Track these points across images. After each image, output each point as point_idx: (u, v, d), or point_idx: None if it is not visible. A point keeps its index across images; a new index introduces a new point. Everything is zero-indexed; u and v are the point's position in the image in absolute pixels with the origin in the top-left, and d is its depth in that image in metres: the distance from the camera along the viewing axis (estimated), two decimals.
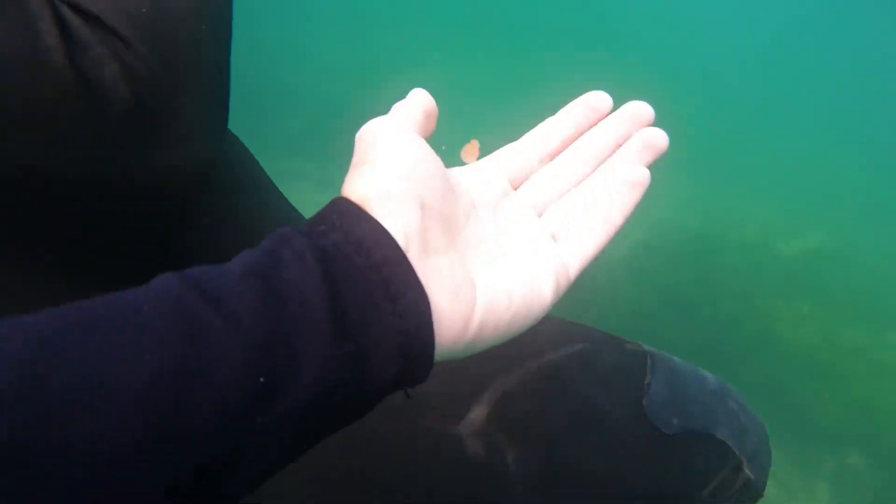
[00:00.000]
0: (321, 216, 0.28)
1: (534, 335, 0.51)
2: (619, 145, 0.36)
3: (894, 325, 2.00)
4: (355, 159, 0.30)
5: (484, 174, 0.36)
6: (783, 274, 2.37)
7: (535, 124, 0.38)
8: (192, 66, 0.38)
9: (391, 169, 0.29)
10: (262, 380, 0.22)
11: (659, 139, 0.35)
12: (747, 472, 0.55)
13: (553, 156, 0.37)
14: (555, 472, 0.49)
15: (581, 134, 0.37)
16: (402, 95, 0.34)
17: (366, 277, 0.25)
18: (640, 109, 0.36)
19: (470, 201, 0.33)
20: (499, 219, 0.34)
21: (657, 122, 0.37)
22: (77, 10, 0.33)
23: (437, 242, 0.29)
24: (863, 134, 5.27)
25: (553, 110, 0.38)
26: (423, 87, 0.34)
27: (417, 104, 0.32)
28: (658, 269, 2.24)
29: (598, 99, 0.37)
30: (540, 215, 0.35)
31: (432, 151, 0.31)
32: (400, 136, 0.30)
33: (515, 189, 0.37)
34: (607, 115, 0.37)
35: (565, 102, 0.38)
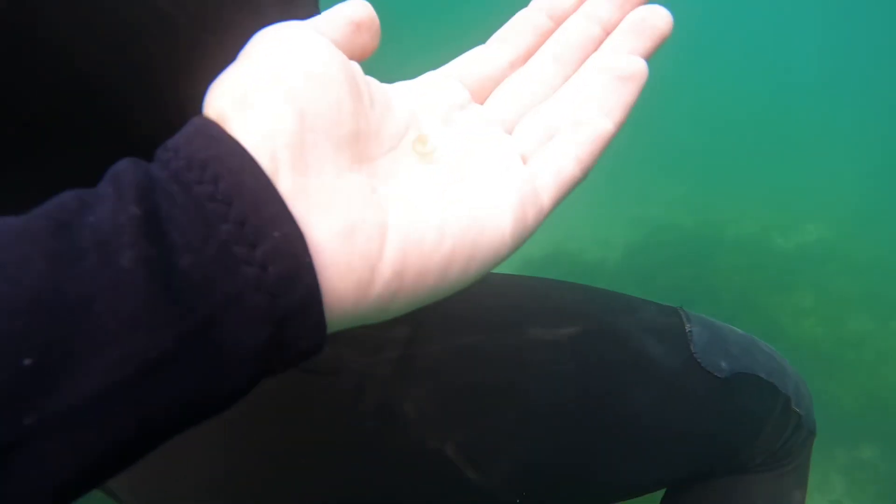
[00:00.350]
0: (169, 141, 0.21)
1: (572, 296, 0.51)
2: (608, 33, 0.28)
3: (894, 313, 2.00)
4: None
5: (437, 85, 0.28)
6: (783, 268, 2.37)
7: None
8: None
9: (258, 69, 0.22)
10: (26, 362, 0.15)
11: (658, 18, 0.27)
12: (795, 409, 0.55)
13: (527, 57, 0.29)
14: (621, 423, 0.49)
15: (561, 24, 0.29)
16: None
17: (208, 214, 0.18)
18: None
19: (409, 117, 0.26)
20: (450, 138, 0.26)
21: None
22: None
23: (327, 163, 0.21)
24: (855, 125, 5.29)
25: None
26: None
27: (342, 10, 0.25)
28: (656, 269, 2.23)
29: None
30: (511, 132, 0.28)
31: (340, 56, 0.23)
32: (293, 35, 0.23)
33: (483, 103, 0.29)
34: None
35: None
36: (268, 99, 0.21)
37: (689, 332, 0.52)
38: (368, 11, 0.25)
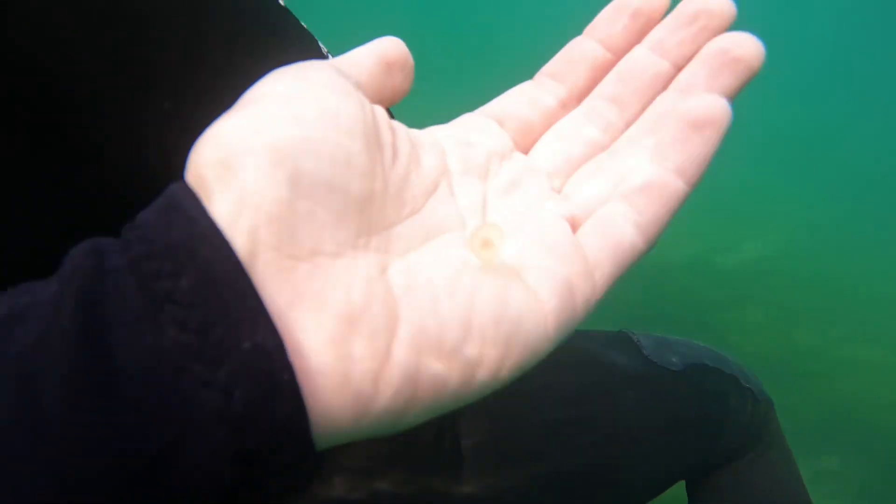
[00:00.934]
0: (140, 214, 0.17)
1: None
2: (680, 68, 0.23)
3: (840, 322, 2.06)
4: None
5: (474, 130, 0.24)
6: (727, 287, 2.43)
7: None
8: None
9: (248, 122, 0.17)
10: None
11: (744, 49, 0.21)
12: (746, 385, 0.63)
13: (581, 96, 0.25)
14: (620, 426, 0.55)
15: (620, 57, 0.24)
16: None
17: (165, 320, 0.15)
18: (708, 3, 0.22)
19: (440, 172, 0.21)
20: (487, 198, 0.22)
21: None
22: None
23: (325, 238, 0.17)
24: (785, 144, 5.59)
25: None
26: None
27: (372, 47, 0.22)
28: (607, 297, 2.25)
29: None
30: (560, 189, 0.23)
31: (357, 101, 0.19)
32: (302, 77, 0.19)
33: (528, 152, 0.24)
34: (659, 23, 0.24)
35: None
36: (252, 160, 0.17)
37: (638, 341, 0.60)
38: (401, 49, 0.22)
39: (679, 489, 0.64)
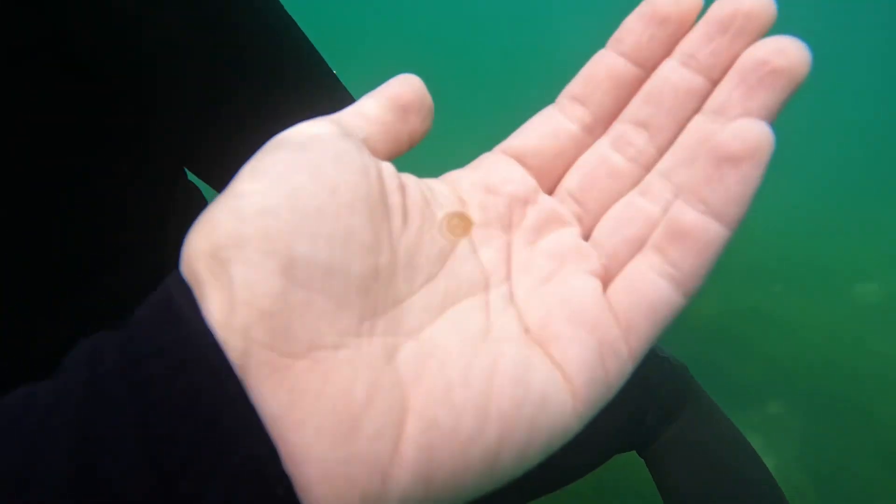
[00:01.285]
0: (137, 310, 0.17)
1: None
2: (717, 82, 0.20)
3: (777, 280, 2.21)
4: None
5: (494, 173, 0.22)
6: None
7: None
8: None
9: (237, 209, 0.16)
10: None
11: (785, 58, 0.18)
12: (660, 354, 0.66)
13: (607, 117, 0.22)
14: None
15: (650, 72, 0.21)
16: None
17: (154, 437, 0.14)
18: (743, 3, 0.19)
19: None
20: (513, 247, 0.21)
21: None
22: None
23: (323, 328, 0.16)
24: None
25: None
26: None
27: (387, 91, 0.20)
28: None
29: (668, 1, 0.20)
30: (588, 234, 0.21)
31: (357, 166, 0.18)
32: (295, 148, 0.18)
33: (552, 192, 0.22)
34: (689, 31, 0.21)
35: None
36: (242, 252, 0.16)
37: None
38: (416, 88, 0.21)
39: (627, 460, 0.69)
